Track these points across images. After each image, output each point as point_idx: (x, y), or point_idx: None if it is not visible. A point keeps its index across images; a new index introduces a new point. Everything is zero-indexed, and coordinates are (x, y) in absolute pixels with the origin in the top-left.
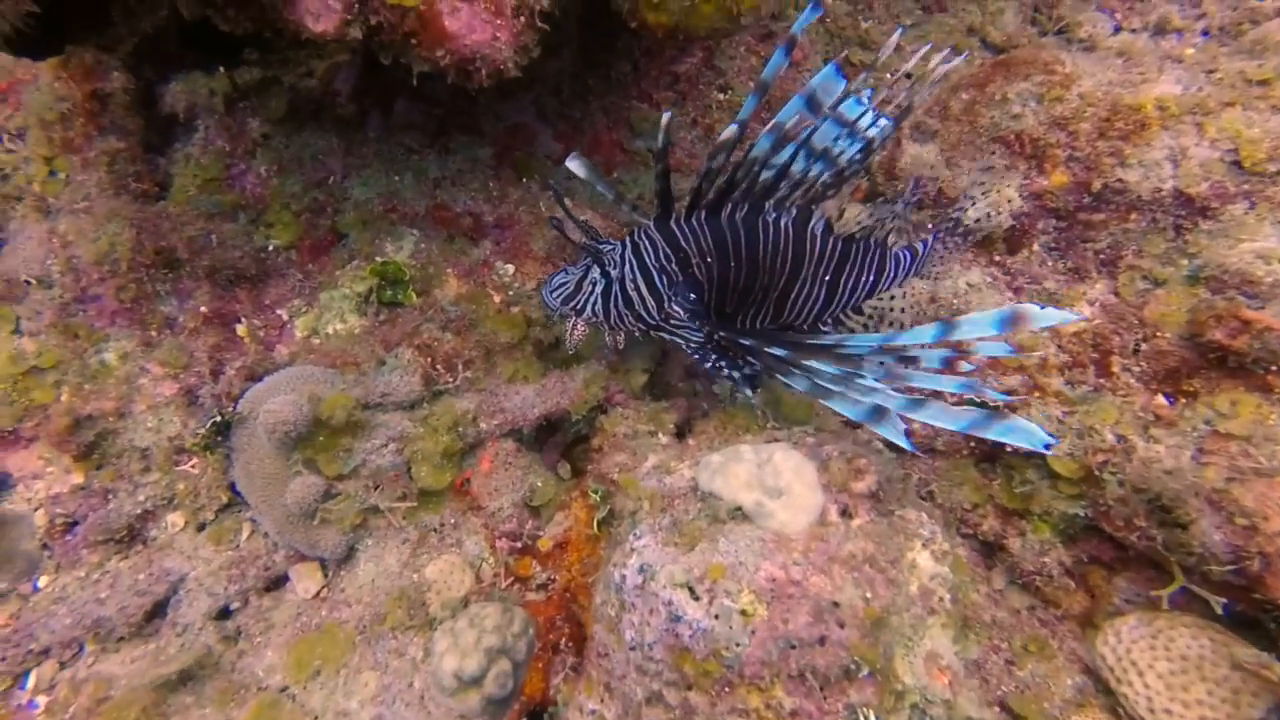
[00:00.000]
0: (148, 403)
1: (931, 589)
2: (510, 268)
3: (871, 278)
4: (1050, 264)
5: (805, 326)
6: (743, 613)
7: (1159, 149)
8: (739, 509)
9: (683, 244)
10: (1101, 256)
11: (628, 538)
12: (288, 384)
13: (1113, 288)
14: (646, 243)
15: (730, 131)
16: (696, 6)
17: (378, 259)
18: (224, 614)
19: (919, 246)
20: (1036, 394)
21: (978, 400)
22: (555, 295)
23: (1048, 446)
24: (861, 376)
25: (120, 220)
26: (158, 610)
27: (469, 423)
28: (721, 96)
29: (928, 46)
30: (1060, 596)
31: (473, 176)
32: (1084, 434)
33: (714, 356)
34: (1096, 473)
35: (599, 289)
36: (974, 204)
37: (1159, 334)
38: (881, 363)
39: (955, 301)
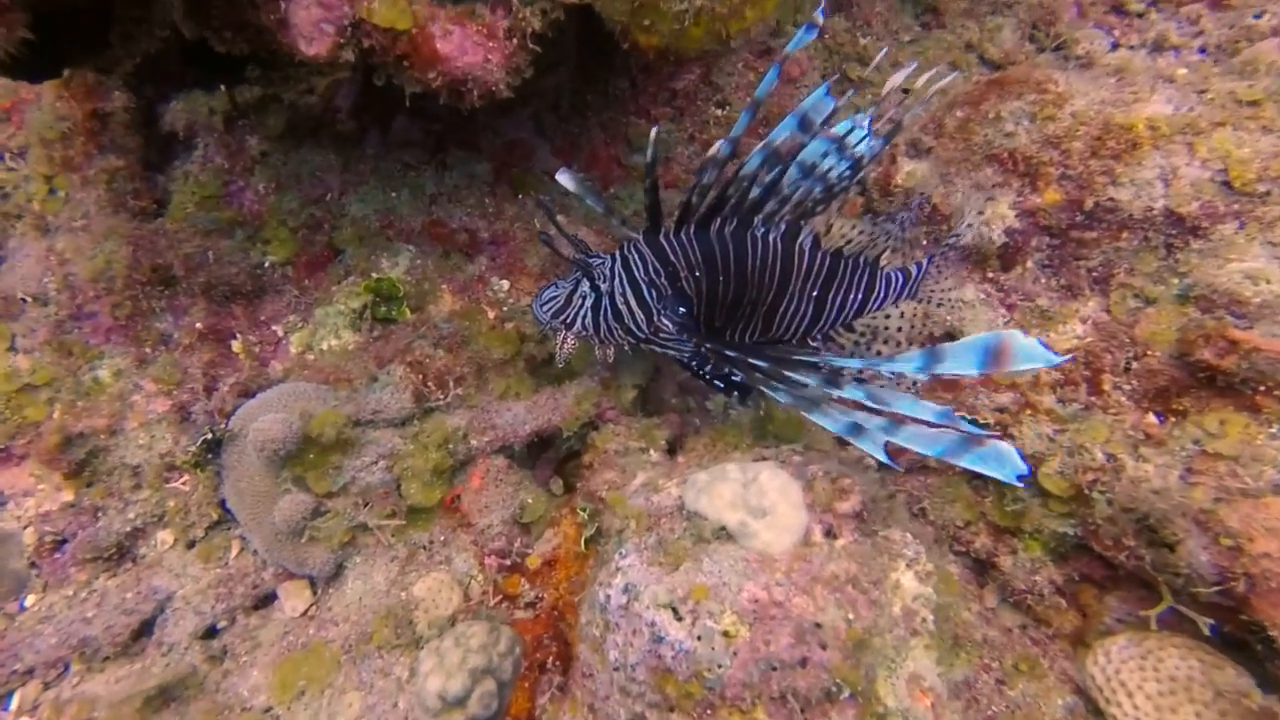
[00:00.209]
0: (140, 419)
1: (914, 610)
2: (505, 283)
3: (860, 296)
4: (1044, 281)
5: (794, 341)
6: (725, 634)
7: (1150, 168)
8: (723, 529)
9: (672, 258)
10: (1094, 274)
11: (613, 557)
12: (279, 401)
13: (1105, 305)
14: (636, 257)
15: (718, 148)
16: (686, 29)
17: (373, 275)
18: (210, 633)
19: (913, 269)
20: (1028, 411)
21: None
22: (545, 309)
23: (1021, 478)
24: (840, 390)
25: (117, 238)
26: (144, 629)
27: (459, 439)
28: (719, 112)
29: (913, 66)
30: (1052, 615)
31: (469, 193)
32: (1074, 452)
33: (706, 369)
34: (1086, 491)
35: (589, 303)
36: (970, 229)
37: (1150, 352)
38: (861, 380)
39: (949, 318)
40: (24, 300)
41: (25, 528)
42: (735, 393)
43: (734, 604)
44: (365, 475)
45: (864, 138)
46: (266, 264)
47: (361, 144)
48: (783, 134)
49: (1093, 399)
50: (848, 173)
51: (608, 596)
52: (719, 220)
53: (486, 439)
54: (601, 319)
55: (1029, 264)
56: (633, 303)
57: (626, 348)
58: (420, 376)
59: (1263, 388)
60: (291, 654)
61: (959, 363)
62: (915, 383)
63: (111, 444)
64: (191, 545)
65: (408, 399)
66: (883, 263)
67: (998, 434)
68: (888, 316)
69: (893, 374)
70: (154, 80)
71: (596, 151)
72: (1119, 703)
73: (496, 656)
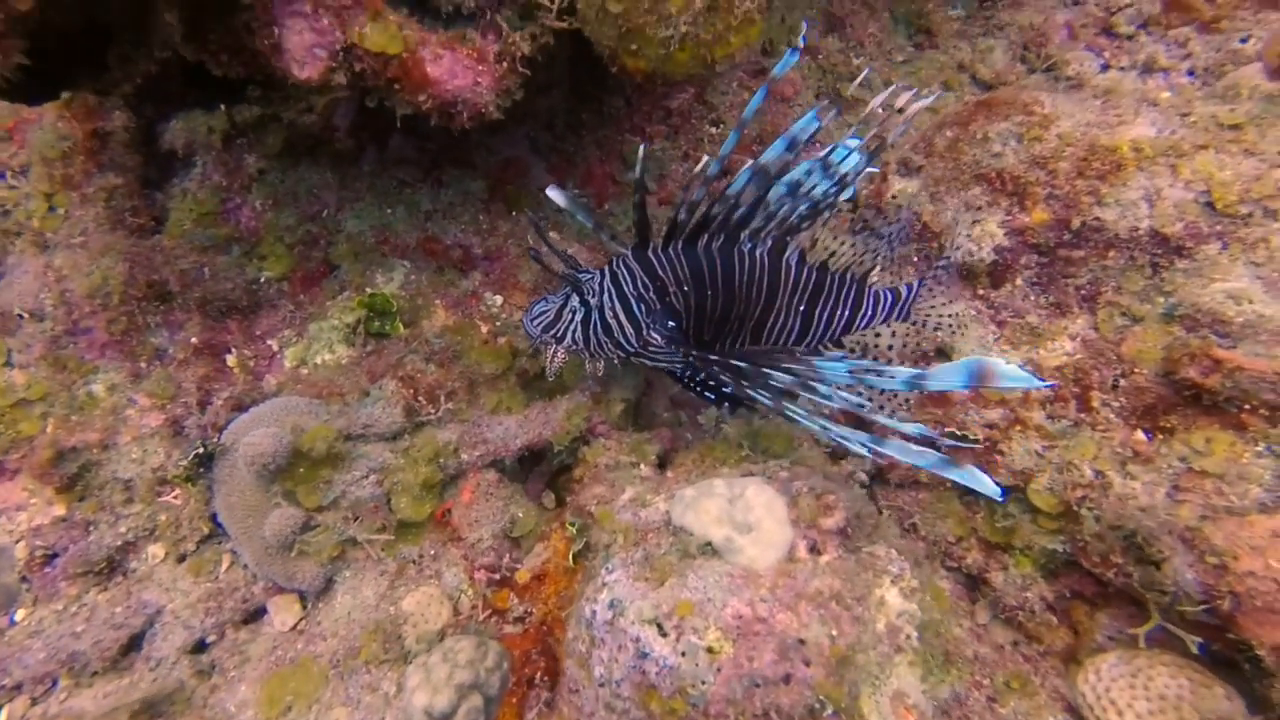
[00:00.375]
0: (133, 434)
1: (899, 626)
2: (498, 299)
3: (846, 313)
4: (1033, 298)
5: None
6: (709, 650)
7: (1135, 189)
8: (709, 544)
9: (660, 273)
10: (1082, 292)
11: (600, 572)
12: (271, 415)
13: (1093, 323)
14: (625, 272)
15: (705, 163)
16: (672, 54)
17: (368, 290)
18: (200, 647)
19: (903, 290)
20: (1018, 427)
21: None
22: (536, 324)
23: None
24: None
25: (114, 254)
26: (134, 644)
27: (450, 454)
28: (714, 131)
29: (895, 86)
30: (1043, 632)
31: (464, 209)
32: (1063, 468)
33: (697, 379)
34: (1075, 508)
35: (578, 317)
36: (960, 251)
37: (1137, 370)
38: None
39: (945, 338)
40: (20, 316)
41: (17, 542)
42: (726, 404)
43: (718, 620)
44: (355, 489)
45: (846, 156)
46: (262, 279)
47: (358, 161)
48: (772, 155)
49: (1082, 415)
50: (833, 191)
51: (593, 612)
52: (706, 236)
53: (477, 453)
54: (591, 333)
55: (1018, 281)
56: (622, 317)
57: (616, 361)
58: (411, 391)
59: (1247, 406)
60: (279, 669)
61: (945, 381)
62: (908, 399)
63: (104, 458)
64: (182, 559)
65: (399, 413)
66: (872, 279)
67: (971, 452)
68: (877, 334)
69: (883, 391)
70: (155, 100)
71: (591, 169)
72: None
73: (484, 672)
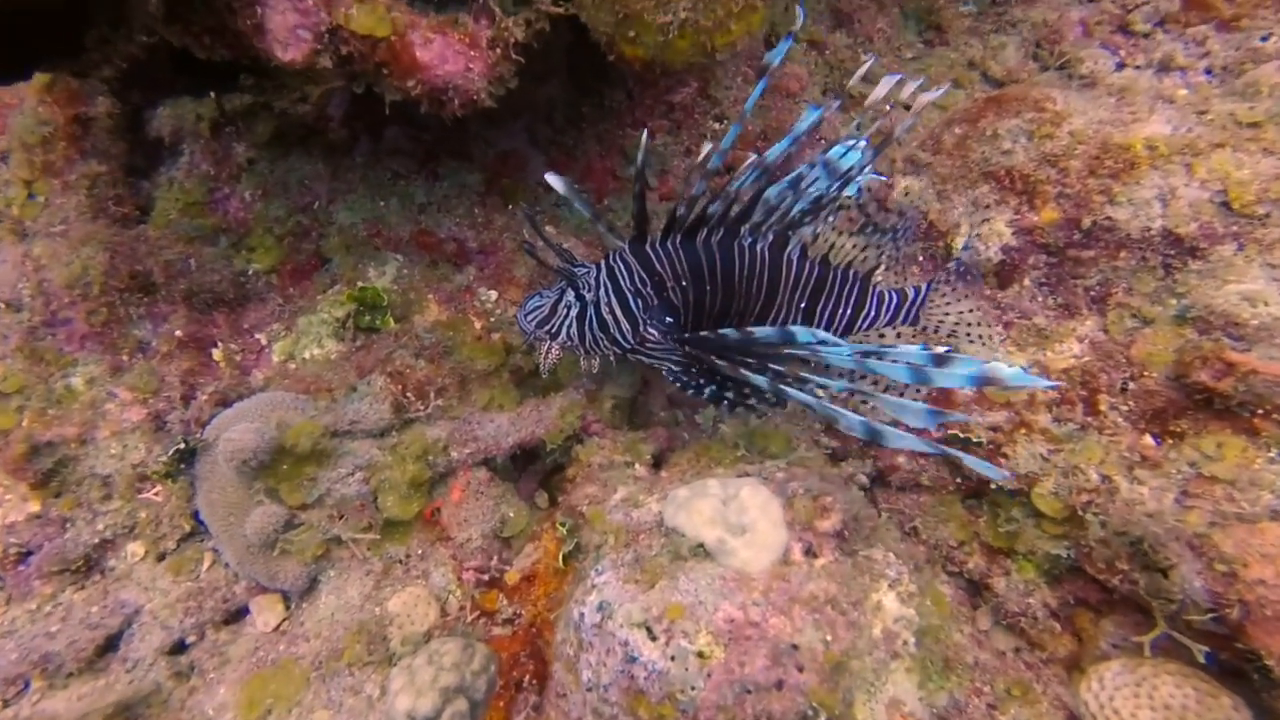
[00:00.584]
0: (112, 429)
1: (896, 632)
2: (493, 294)
3: (849, 311)
4: (1041, 299)
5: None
6: (699, 654)
7: (1148, 188)
8: (701, 546)
9: (657, 267)
10: (1092, 293)
11: (590, 573)
12: (256, 410)
13: (1102, 325)
14: (621, 266)
15: (706, 154)
16: (671, 42)
17: (358, 284)
18: (179, 648)
19: (910, 292)
20: (1023, 430)
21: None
22: (530, 319)
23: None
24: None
25: (95, 244)
26: (110, 645)
27: (439, 451)
28: (717, 125)
29: (895, 79)
30: (1046, 639)
31: (459, 202)
32: (1069, 473)
33: (694, 378)
34: (1080, 513)
35: (574, 312)
36: (969, 252)
37: (1147, 373)
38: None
39: (954, 341)
40: None
41: None
42: (724, 403)
43: (709, 624)
44: (341, 487)
45: (846, 152)
46: (250, 271)
47: (351, 152)
48: (776, 152)
49: (1089, 419)
50: (836, 186)
51: (582, 614)
52: (705, 230)
53: (468, 451)
54: (587, 329)
55: (1026, 282)
56: (618, 312)
57: (612, 358)
58: (400, 387)
59: (1260, 411)
60: (260, 671)
61: (948, 381)
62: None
63: (81, 453)
64: (162, 558)
65: (387, 409)
66: (877, 278)
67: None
68: (881, 336)
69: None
70: (142, 86)
71: (591, 163)
72: None
73: (470, 675)
